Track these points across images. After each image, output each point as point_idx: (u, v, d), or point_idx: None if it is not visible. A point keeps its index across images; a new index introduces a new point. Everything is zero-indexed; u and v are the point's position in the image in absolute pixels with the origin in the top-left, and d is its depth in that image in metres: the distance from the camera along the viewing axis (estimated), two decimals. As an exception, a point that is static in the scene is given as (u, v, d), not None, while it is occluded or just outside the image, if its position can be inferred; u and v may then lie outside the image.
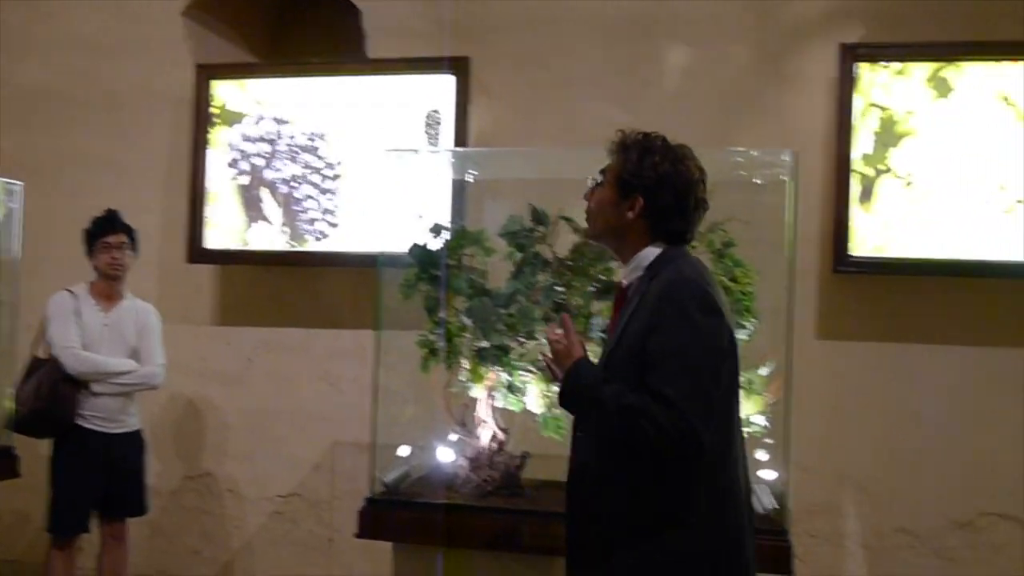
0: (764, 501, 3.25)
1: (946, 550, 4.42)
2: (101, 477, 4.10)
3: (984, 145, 4.35)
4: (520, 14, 4.89)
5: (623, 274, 2.44)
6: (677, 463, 2.17)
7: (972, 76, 4.37)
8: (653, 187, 2.32)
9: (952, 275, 4.37)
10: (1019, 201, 4.30)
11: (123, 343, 4.19)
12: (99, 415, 4.08)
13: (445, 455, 3.58)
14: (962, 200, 4.33)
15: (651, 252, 2.34)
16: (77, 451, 4.05)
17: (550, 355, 2.40)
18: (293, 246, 4.94)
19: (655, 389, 2.11)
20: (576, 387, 2.29)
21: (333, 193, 4.90)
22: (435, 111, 4.75)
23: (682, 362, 2.13)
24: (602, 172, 2.43)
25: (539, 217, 3.39)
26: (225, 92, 5.05)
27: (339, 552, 5.06)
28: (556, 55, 4.86)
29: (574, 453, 2.42)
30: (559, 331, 2.39)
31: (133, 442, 4.22)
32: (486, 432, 3.41)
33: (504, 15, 4.91)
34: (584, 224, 2.56)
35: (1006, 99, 4.34)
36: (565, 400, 2.36)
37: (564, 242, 3.40)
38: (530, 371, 3.32)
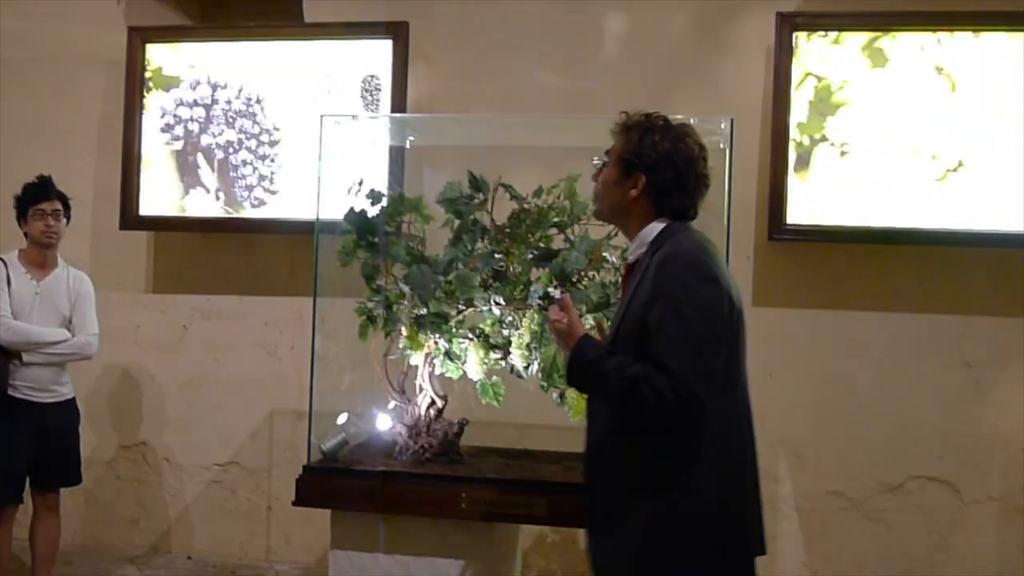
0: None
1: (877, 512, 4.52)
2: (33, 447, 4.02)
3: (918, 115, 4.40)
4: (460, -22, 4.86)
5: (629, 251, 2.52)
6: (684, 430, 2.26)
7: (907, 46, 4.41)
8: (654, 165, 2.41)
9: (885, 243, 4.44)
10: (951, 170, 4.38)
11: (56, 312, 4.10)
12: (31, 385, 4.00)
13: (383, 422, 3.57)
14: (896, 169, 4.39)
15: (654, 228, 2.43)
16: (8, 421, 3.96)
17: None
18: (229, 213, 4.87)
19: (656, 359, 2.20)
20: (582, 363, 2.39)
21: (270, 159, 4.84)
22: (373, 76, 4.70)
23: (680, 331, 2.21)
24: (607, 153, 2.52)
25: (478, 184, 3.37)
26: (159, 55, 4.95)
27: (277, 520, 5.05)
28: (495, 21, 4.83)
29: (590, 427, 2.51)
30: (560, 312, 2.49)
31: (66, 412, 4.15)
32: (424, 399, 3.41)
33: (443, -21, 4.87)
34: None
35: (940, 69, 4.40)
36: (572, 376, 2.46)
37: (503, 209, 3.39)
38: (469, 338, 3.31)
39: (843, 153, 4.44)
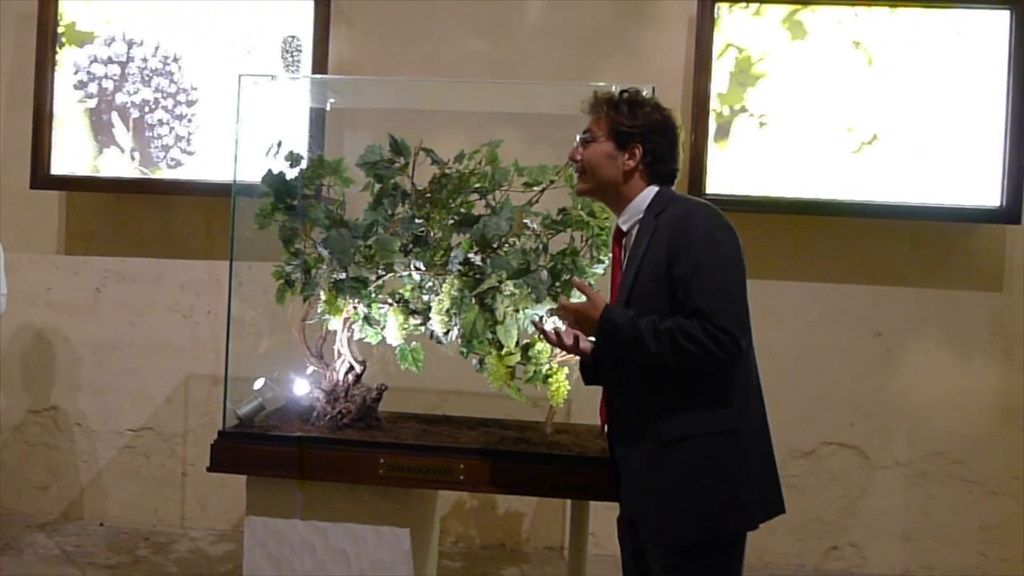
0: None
1: (789, 478, 4.60)
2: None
3: (835, 88, 4.48)
4: (383, -61, 4.79)
5: (622, 220, 2.59)
6: (721, 371, 2.40)
7: (826, 19, 4.47)
8: (649, 134, 2.52)
9: (801, 213, 4.52)
10: (866, 143, 4.46)
11: (-38, 273, 3.99)
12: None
13: (301, 388, 3.54)
14: (813, 141, 4.46)
15: (648, 193, 2.55)
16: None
17: (556, 329, 2.67)
18: (145, 173, 4.76)
19: (690, 306, 2.33)
20: (614, 331, 2.42)
21: (187, 119, 4.74)
22: (293, 37, 4.62)
23: (711, 277, 2.34)
24: (587, 131, 2.59)
25: (399, 148, 3.33)
26: (73, 10, 4.78)
27: (193, 486, 5.00)
28: (420, -17, 4.78)
29: (611, 395, 2.64)
30: (572, 302, 2.64)
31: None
32: (343, 365, 3.38)
33: (367, -61, 4.80)
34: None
35: (857, 44, 4.46)
36: (606, 346, 2.50)
37: (424, 174, 3.36)
38: (388, 303, 3.29)
39: (762, 124, 4.49)
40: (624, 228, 2.59)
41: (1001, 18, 4.42)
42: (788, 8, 4.47)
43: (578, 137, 2.61)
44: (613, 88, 2.62)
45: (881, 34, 4.46)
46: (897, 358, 4.73)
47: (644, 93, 2.63)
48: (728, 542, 2.45)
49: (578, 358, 2.78)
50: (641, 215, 2.53)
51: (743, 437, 2.44)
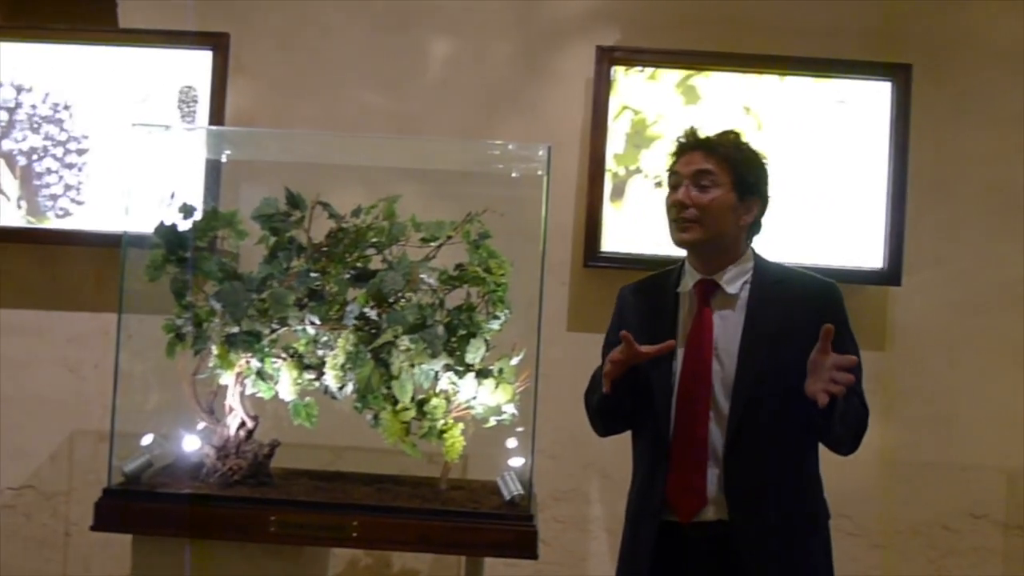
0: (512, 487, 3.32)
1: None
2: None
3: (726, 151, 4.60)
4: (284, -7, 4.80)
5: (727, 279, 2.43)
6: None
7: (718, 85, 4.61)
8: (767, 191, 2.46)
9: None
10: (756, 205, 4.58)
11: None
12: None
13: (191, 444, 3.47)
14: (705, 202, 4.55)
15: (749, 255, 2.47)
16: None
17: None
18: (31, 223, 4.63)
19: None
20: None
21: (78, 168, 4.64)
22: (190, 87, 4.58)
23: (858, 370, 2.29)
24: (705, 174, 2.39)
25: (295, 201, 3.33)
26: (-42, 54, 4.68)
27: (76, 546, 4.81)
28: (319, 38, 4.79)
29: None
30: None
31: None
32: (234, 420, 3.32)
33: (267, -7, 4.81)
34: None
35: (748, 109, 4.60)
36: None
37: (321, 227, 3.35)
38: (282, 357, 3.25)
39: (657, 184, 4.59)
40: (731, 290, 2.41)
41: (883, 89, 4.61)
42: (682, 73, 4.60)
43: (685, 180, 2.40)
44: (736, 133, 2.47)
45: (771, 101, 4.61)
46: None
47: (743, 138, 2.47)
48: None
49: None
50: (747, 277, 2.40)
51: None
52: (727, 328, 2.36)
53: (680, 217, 2.40)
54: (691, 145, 2.43)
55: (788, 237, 4.55)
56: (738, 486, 2.37)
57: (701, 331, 2.38)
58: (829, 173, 4.60)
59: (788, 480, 2.40)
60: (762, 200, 2.41)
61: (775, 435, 2.36)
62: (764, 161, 2.43)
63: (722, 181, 2.37)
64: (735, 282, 2.39)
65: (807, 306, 2.32)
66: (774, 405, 2.32)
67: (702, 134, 2.43)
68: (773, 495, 2.37)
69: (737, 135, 2.45)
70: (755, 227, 2.45)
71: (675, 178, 2.44)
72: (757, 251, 2.51)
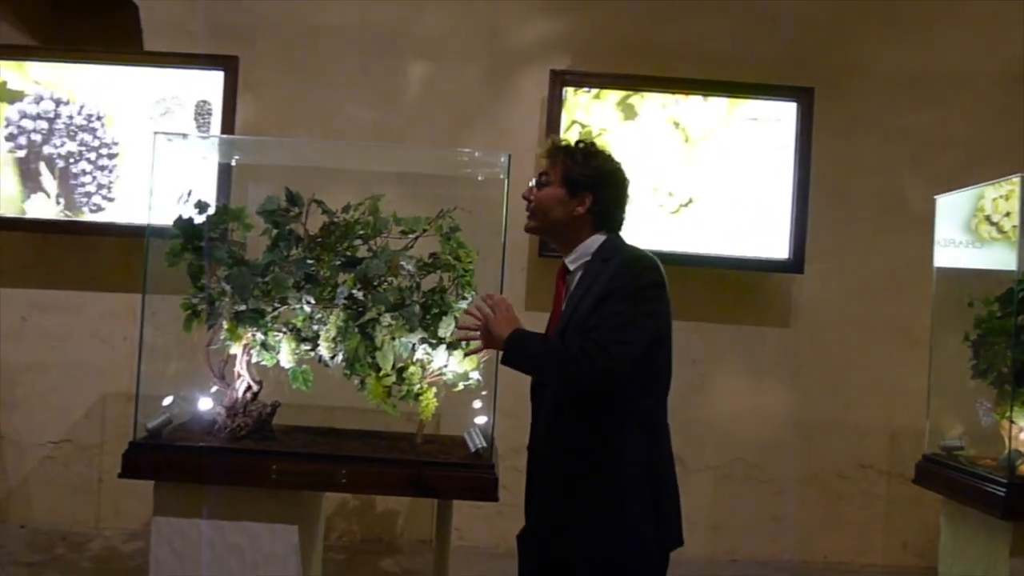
0: (476, 441, 3.34)
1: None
2: None
3: (659, 160, 4.62)
4: (285, 21, 4.78)
5: (570, 260, 2.39)
6: (608, 408, 2.25)
7: (652, 104, 4.63)
8: (601, 185, 2.36)
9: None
10: (683, 205, 4.61)
11: None
12: None
13: (205, 404, 3.45)
14: (642, 203, 4.58)
15: (596, 240, 2.37)
16: None
17: (471, 322, 2.50)
18: (69, 216, 4.59)
19: (590, 336, 2.19)
20: (521, 348, 2.32)
21: (109, 170, 4.60)
22: (205, 101, 4.55)
23: (617, 319, 2.19)
24: (543, 175, 2.38)
25: (294, 199, 3.31)
26: (5, 71, 4.60)
27: (107, 491, 4.79)
28: (315, 59, 4.77)
29: (536, 416, 2.45)
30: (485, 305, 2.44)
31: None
32: (242, 384, 3.31)
33: (271, 20, 4.78)
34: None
35: (677, 124, 4.63)
36: (511, 358, 2.35)
37: (316, 222, 3.34)
38: (282, 331, 3.24)
39: (600, 187, 4.60)
40: (571, 268, 2.38)
41: (789, 108, 4.65)
42: (621, 93, 4.62)
43: (532, 180, 2.42)
44: (568, 137, 2.48)
45: (696, 117, 4.63)
46: (708, 381, 4.88)
47: (598, 143, 2.44)
48: None
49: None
50: (588, 258, 2.34)
51: None
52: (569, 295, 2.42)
53: (527, 210, 2.44)
54: (542, 153, 2.44)
55: (709, 232, 4.60)
56: (536, 418, 2.44)
57: (556, 297, 2.44)
58: (744, 179, 4.64)
59: (573, 424, 2.31)
60: (595, 194, 2.36)
61: None
62: (600, 163, 2.38)
63: (553, 180, 2.37)
64: (577, 262, 2.38)
65: (607, 274, 2.29)
66: None
67: (555, 144, 2.43)
68: (560, 431, 2.34)
69: (581, 142, 2.42)
70: (600, 217, 2.39)
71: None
72: (615, 236, 2.44)
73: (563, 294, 2.42)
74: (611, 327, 2.19)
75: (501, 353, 2.40)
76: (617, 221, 2.44)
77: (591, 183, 2.36)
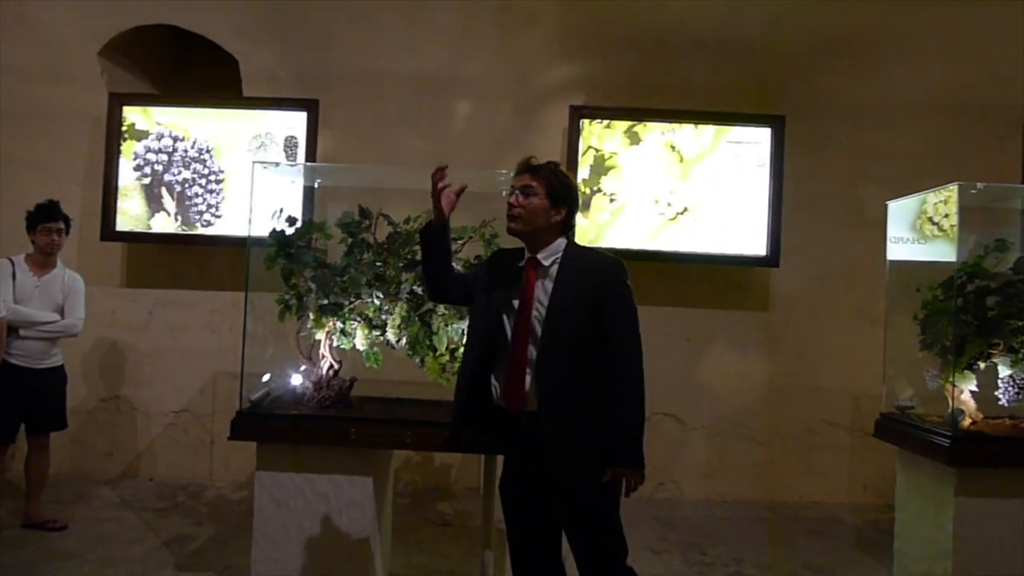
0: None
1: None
2: (24, 401, 3.68)
3: (659, 176, 4.56)
4: (356, 70, 4.76)
5: (543, 256, 2.36)
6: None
7: (652, 131, 4.56)
8: (574, 201, 2.39)
9: (638, 260, 4.54)
10: (679, 213, 4.54)
11: (51, 301, 3.76)
12: (24, 354, 3.66)
13: (296, 380, 3.43)
14: (645, 212, 4.52)
15: (561, 242, 2.37)
16: (5, 382, 3.63)
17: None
18: (185, 230, 4.60)
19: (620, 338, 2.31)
20: (639, 445, 2.29)
21: (217, 192, 4.60)
22: (292, 137, 4.54)
23: (630, 321, 2.35)
24: (527, 187, 2.35)
25: (365, 213, 3.28)
26: (132, 114, 4.62)
27: (218, 451, 4.81)
28: (380, 101, 4.75)
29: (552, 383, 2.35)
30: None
31: (55, 375, 3.81)
32: (325, 363, 3.28)
33: (344, 70, 4.76)
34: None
35: (673, 147, 4.56)
36: (642, 454, 2.30)
37: (383, 231, 3.31)
38: (357, 320, 3.21)
39: (611, 200, 4.54)
40: (546, 263, 2.36)
41: (765, 133, 4.57)
42: (628, 123, 4.56)
43: (516, 190, 2.36)
44: (555, 164, 2.42)
45: (689, 141, 4.56)
46: (701, 355, 4.81)
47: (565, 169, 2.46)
48: None
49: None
50: (559, 255, 2.34)
51: None
52: (544, 287, 2.34)
53: (510, 214, 2.37)
54: (522, 169, 2.40)
55: (701, 235, 4.53)
56: (543, 387, 2.31)
57: (528, 289, 2.36)
58: (729, 191, 4.56)
59: (580, 386, 2.29)
60: (569, 208, 2.36)
61: (569, 355, 2.28)
62: (572, 183, 2.40)
63: (539, 192, 2.34)
64: (549, 259, 2.36)
65: (595, 275, 2.31)
66: (568, 334, 2.29)
67: (533, 163, 2.44)
68: (569, 394, 2.29)
69: (556, 165, 2.41)
70: (568, 225, 2.39)
71: (511, 190, 2.43)
72: (572, 239, 2.42)
73: (534, 280, 2.38)
74: (628, 320, 2.34)
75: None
76: (573, 229, 2.46)
77: (568, 198, 2.37)
